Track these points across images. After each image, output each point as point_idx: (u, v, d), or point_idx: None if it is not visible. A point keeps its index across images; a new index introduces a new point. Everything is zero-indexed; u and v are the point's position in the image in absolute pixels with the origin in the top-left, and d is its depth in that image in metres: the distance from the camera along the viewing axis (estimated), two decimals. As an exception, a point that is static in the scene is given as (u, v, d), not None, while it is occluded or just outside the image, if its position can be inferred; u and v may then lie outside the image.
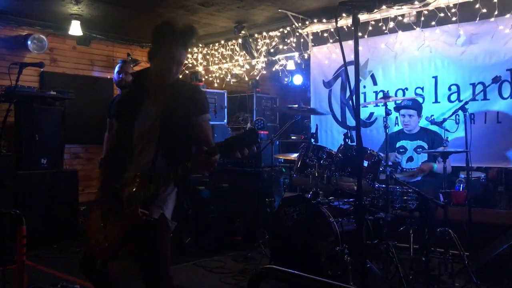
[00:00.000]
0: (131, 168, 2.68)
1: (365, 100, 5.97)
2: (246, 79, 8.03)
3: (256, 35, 7.10)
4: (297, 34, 6.64)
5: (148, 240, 2.58)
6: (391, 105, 4.91)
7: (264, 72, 7.51)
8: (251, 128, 2.55)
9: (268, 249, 4.65)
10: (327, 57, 6.48)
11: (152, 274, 2.54)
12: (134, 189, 2.54)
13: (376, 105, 5.88)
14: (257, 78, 7.80)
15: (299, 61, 7.05)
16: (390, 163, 4.92)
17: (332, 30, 6.25)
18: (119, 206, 2.58)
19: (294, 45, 6.72)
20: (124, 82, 5.07)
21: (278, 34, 6.81)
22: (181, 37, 2.64)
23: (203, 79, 7.98)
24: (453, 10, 5.18)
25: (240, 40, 7.13)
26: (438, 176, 4.80)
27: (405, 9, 5.54)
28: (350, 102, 6.13)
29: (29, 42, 6.49)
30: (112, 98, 5.00)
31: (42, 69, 6.51)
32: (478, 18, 5.06)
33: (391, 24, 5.67)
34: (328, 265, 3.97)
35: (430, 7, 5.34)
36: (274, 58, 7.06)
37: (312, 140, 4.67)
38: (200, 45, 7.87)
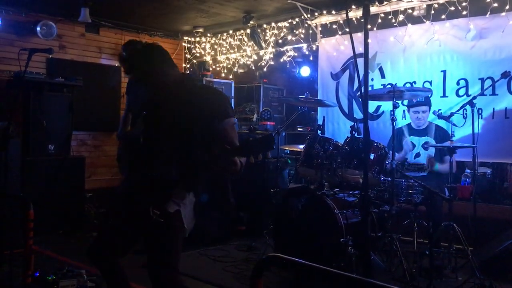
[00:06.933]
0: (147, 171, 2.60)
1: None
2: (254, 69, 8.01)
3: (264, 26, 7.07)
4: (306, 25, 6.60)
5: (159, 235, 2.50)
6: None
7: (272, 63, 7.48)
8: (269, 134, 2.54)
9: (272, 239, 4.66)
10: (335, 49, 6.45)
11: (159, 272, 2.45)
12: (148, 191, 2.50)
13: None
14: (265, 69, 7.78)
15: (307, 53, 7.02)
16: (401, 155, 4.91)
17: (341, 21, 6.21)
18: (132, 205, 2.56)
19: (302, 36, 6.69)
20: None
21: (287, 25, 6.78)
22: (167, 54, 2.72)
23: (211, 68, 7.97)
24: (463, 4, 5.14)
25: (248, 30, 7.10)
26: (443, 171, 4.79)
27: (415, 2, 5.50)
28: (358, 94, 6.12)
29: (38, 28, 6.47)
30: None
31: (50, 56, 6.52)
32: (489, 13, 5.02)
33: (401, 17, 5.62)
34: (332, 256, 3.99)
35: (441, 1, 5.30)
36: (282, 49, 7.04)
37: (319, 132, 4.66)
38: (209, 34, 7.85)
